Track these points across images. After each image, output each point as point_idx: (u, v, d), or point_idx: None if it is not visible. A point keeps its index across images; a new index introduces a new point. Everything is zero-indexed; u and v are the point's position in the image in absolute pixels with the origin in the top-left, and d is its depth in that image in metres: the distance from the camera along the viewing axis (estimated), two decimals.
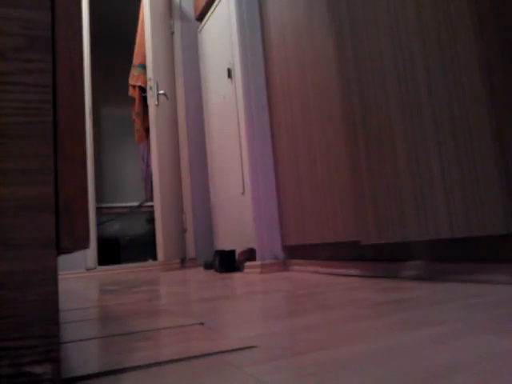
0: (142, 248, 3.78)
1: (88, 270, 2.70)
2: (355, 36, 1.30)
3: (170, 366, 0.51)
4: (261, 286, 1.32)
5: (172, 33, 3.04)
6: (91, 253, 2.73)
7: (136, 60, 3.21)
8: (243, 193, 2.01)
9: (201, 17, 2.57)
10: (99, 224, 3.64)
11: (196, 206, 2.87)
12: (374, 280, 1.21)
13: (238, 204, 2.07)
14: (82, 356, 0.59)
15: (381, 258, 1.33)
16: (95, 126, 4.28)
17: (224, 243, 2.28)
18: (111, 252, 3.71)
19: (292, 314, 0.79)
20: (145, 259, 3.52)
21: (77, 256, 2.68)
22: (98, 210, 3.61)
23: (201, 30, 2.58)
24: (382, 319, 0.67)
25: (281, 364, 0.48)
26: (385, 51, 1.21)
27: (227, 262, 2.07)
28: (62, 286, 2.03)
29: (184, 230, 2.87)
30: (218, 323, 0.75)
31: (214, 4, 2.34)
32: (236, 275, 1.84)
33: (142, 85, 3.17)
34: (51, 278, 0.43)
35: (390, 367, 0.44)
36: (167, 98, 2.90)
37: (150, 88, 2.80)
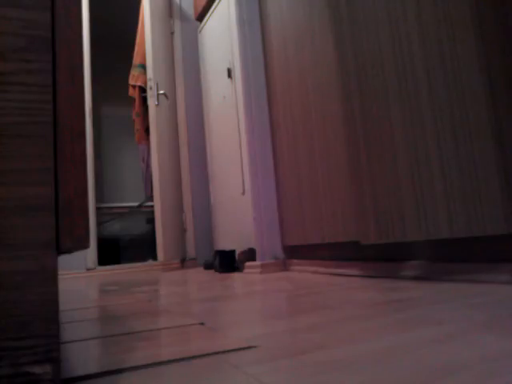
0: (142, 248, 3.78)
1: (88, 270, 2.70)
2: (355, 36, 1.30)
3: (170, 365, 0.51)
4: (261, 286, 1.32)
5: (172, 33, 3.04)
6: (91, 253, 2.73)
7: (136, 60, 3.21)
8: (243, 193, 2.00)
9: (201, 17, 2.57)
10: (99, 224, 3.63)
11: (196, 205, 2.87)
12: (374, 280, 1.21)
13: (238, 204, 2.07)
14: (82, 356, 0.59)
15: (381, 257, 1.33)
16: (95, 126, 4.28)
17: (224, 243, 2.28)
18: (111, 252, 3.71)
19: (292, 314, 0.79)
20: (145, 259, 3.52)
21: (77, 256, 2.68)
22: (98, 210, 3.61)
23: (201, 30, 2.57)
24: (382, 319, 0.67)
25: (281, 364, 0.48)
26: (385, 51, 1.21)
27: (227, 262, 2.07)
28: (62, 286, 2.03)
29: (184, 230, 2.87)
30: (218, 323, 0.75)
31: (214, 4, 2.34)
32: (236, 275, 1.84)
33: (142, 85, 3.17)
34: (51, 278, 0.43)
35: (390, 367, 0.44)
36: (167, 98, 2.90)
37: (150, 88, 2.80)
